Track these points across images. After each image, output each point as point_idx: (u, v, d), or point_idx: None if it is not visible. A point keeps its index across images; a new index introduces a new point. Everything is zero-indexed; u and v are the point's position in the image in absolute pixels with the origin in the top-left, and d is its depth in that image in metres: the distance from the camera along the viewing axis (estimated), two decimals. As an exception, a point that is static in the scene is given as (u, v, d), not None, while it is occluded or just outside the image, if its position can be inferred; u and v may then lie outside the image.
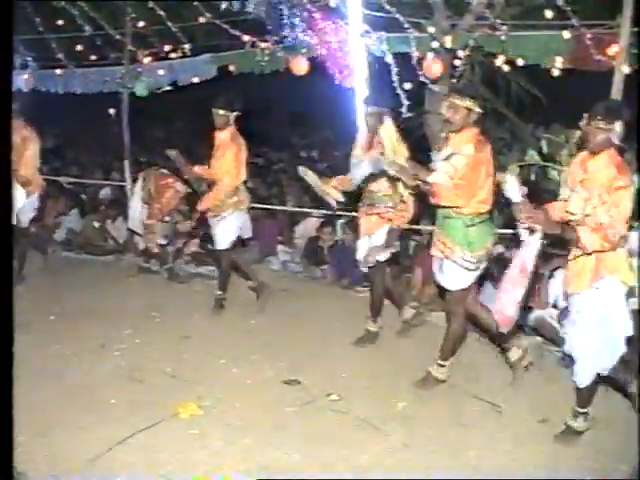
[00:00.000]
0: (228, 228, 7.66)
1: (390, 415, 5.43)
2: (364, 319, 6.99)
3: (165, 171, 9.66)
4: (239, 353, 6.58)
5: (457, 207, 5.40)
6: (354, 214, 8.93)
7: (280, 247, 10.23)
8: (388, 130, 6.45)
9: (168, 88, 10.36)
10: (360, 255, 6.82)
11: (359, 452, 4.87)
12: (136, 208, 9.58)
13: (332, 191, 6.81)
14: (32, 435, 4.80)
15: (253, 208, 10.50)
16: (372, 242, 6.67)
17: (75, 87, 11.16)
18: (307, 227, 9.90)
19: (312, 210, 9.85)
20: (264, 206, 10.59)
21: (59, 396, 5.57)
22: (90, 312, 7.69)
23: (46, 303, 7.82)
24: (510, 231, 7.45)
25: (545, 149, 7.22)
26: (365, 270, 6.88)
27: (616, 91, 6.51)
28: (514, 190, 4.90)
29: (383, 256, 6.66)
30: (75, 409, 5.37)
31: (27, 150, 8.50)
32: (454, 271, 5.58)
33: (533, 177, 7.31)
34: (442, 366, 5.91)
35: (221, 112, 7.41)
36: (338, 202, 6.93)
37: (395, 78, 8.03)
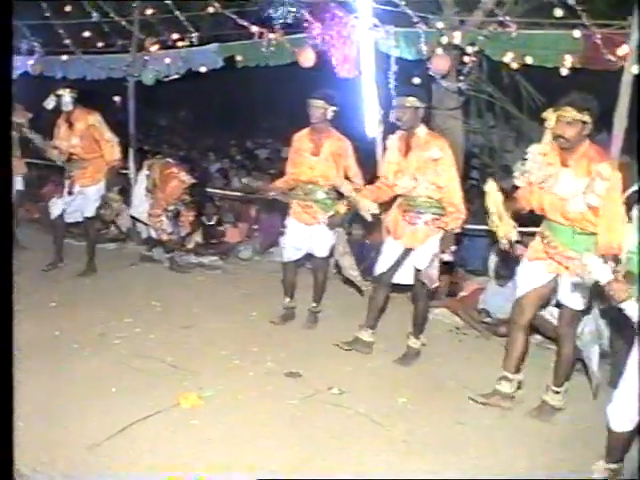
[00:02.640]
0: (329, 234, 7.12)
1: (390, 410, 5.43)
2: (406, 335, 6.59)
3: (170, 160, 9.67)
4: (240, 344, 6.58)
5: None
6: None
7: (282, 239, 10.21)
8: (448, 157, 6.07)
9: (175, 77, 10.32)
10: (384, 263, 6.45)
11: (358, 446, 4.87)
12: (140, 196, 9.59)
13: (366, 203, 6.40)
14: (31, 422, 4.79)
15: (257, 199, 10.57)
16: (418, 256, 6.25)
17: (81, 74, 11.10)
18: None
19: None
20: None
21: (59, 384, 5.57)
22: (91, 300, 7.72)
23: (46, 290, 7.81)
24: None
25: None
26: (407, 282, 6.48)
27: (625, 91, 6.49)
28: (599, 269, 4.01)
29: (435, 266, 6.17)
30: (75, 397, 5.36)
31: (105, 134, 8.57)
32: (578, 287, 5.08)
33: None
34: (557, 393, 5.45)
35: (318, 104, 6.81)
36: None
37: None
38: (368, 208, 6.40)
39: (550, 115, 5.07)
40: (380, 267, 6.50)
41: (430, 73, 7.96)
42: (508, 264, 7.43)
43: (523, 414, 5.44)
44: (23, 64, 10.98)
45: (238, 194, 11.12)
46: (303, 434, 4.99)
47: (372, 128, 8.07)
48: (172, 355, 6.26)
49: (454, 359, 6.54)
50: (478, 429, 5.20)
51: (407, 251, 6.36)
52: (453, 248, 6.16)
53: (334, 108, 6.82)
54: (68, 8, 10.41)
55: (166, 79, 10.34)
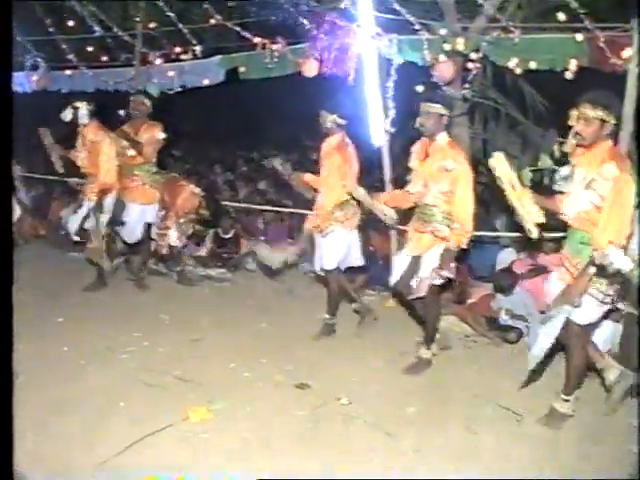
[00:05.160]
0: (334, 246, 7.02)
1: (400, 420, 5.40)
2: (415, 344, 6.65)
3: (176, 175, 9.62)
4: (249, 356, 6.55)
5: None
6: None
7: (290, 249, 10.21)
8: (463, 170, 5.92)
9: (178, 89, 10.35)
10: (396, 272, 6.37)
11: (369, 457, 4.84)
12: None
13: (382, 207, 6.45)
14: (39, 439, 4.78)
15: (264, 211, 10.58)
16: (422, 264, 6.14)
17: (85, 88, 11.15)
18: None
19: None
20: (274, 208, 10.62)
21: (67, 400, 5.52)
22: (98, 314, 7.68)
23: (53, 306, 7.78)
24: (517, 234, 7.42)
25: (557, 153, 7.14)
26: (413, 295, 6.24)
27: (630, 94, 6.47)
28: (621, 259, 4.51)
29: (438, 280, 6.05)
30: (83, 413, 5.33)
31: (102, 155, 8.37)
32: (585, 303, 4.98)
33: (546, 181, 7.25)
34: (567, 401, 5.35)
35: (324, 114, 6.90)
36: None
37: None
38: (384, 212, 6.45)
39: (572, 112, 4.96)
40: (394, 277, 6.44)
41: (434, 80, 7.94)
42: (507, 276, 7.43)
43: (534, 421, 5.39)
44: (27, 80, 11.03)
45: (246, 205, 11.13)
46: (313, 445, 4.96)
47: (378, 136, 8.05)
48: (181, 368, 6.22)
49: (464, 367, 6.49)
50: (489, 437, 5.15)
51: (415, 259, 6.25)
52: (452, 265, 6.05)
53: (335, 117, 6.86)
54: (71, 23, 10.46)
55: (170, 92, 10.37)
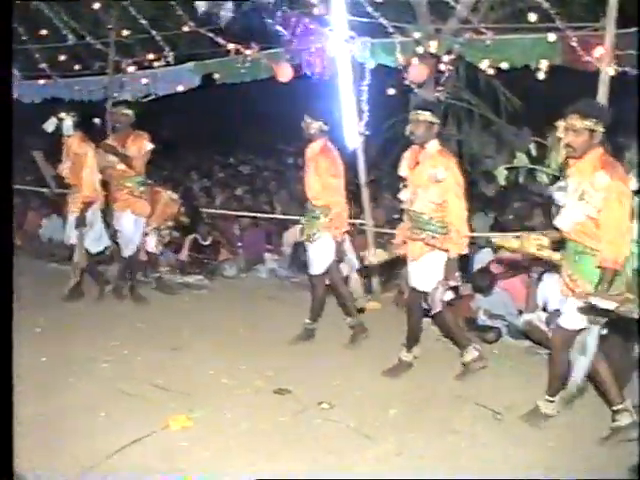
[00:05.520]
0: (322, 251, 6.97)
1: (381, 423, 5.39)
2: (399, 347, 6.51)
3: (151, 182, 9.59)
4: (228, 363, 6.52)
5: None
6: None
7: (267, 255, 10.21)
8: (454, 177, 5.89)
9: (152, 97, 10.33)
10: (412, 281, 6.25)
11: (351, 460, 4.82)
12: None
13: (403, 252, 6.36)
14: (20, 449, 4.72)
15: (241, 216, 10.56)
16: (416, 269, 6.12)
17: (59, 97, 11.11)
18: (295, 234, 9.85)
19: (300, 217, 9.81)
20: (251, 214, 10.60)
21: (47, 410, 5.48)
22: (77, 324, 7.64)
23: (31, 316, 7.70)
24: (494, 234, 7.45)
25: (534, 152, 7.15)
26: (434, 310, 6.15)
27: (602, 92, 6.51)
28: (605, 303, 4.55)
29: (447, 294, 6.06)
30: (64, 423, 5.29)
31: (85, 168, 8.27)
32: (576, 309, 4.94)
33: (521, 179, 7.27)
34: (551, 401, 5.34)
35: (309, 120, 6.80)
36: None
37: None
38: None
39: (560, 124, 4.94)
40: (411, 281, 6.35)
41: (407, 83, 7.97)
42: (485, 276, 7.45)
43: (515, 419, 5.41)
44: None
45: (222, 211, 11.10)
46: (294, 450, 4.94)
47: (352, 139, 8.06)
48: (160, 377, 6.18)
49: (443, 368, 6.49)
50: (471, 437, 5.16)
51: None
52: (457, 274, 5.99)
53: (321, 123, 6.78)
54: (44, 32, 10.42)
55: (144, 99, 10.34)
